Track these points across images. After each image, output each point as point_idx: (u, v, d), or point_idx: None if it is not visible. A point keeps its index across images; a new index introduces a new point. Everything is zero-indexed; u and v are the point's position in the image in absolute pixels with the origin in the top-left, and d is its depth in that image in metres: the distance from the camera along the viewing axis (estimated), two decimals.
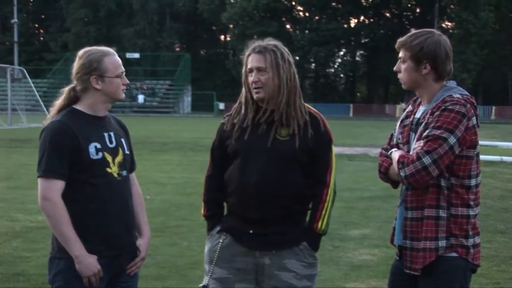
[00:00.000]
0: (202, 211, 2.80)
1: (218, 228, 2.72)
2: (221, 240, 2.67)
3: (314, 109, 2.72)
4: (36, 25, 64.35)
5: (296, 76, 2.68)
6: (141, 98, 45.23)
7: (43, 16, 61.94)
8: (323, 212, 2.64)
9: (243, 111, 2.68)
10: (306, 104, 2.69)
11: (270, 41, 2.68)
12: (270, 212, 2.60)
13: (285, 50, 2.68)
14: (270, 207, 2.59)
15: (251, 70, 2.63)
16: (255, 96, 2.63)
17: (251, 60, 2.64)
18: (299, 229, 2.66)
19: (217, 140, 2.76)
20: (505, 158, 14.19)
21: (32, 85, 31.73)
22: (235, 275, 2.64)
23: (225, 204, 2.78)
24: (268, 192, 2.58)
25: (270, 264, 2.62)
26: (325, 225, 2.66)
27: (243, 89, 2.70)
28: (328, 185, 2.66)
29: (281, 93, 2.61)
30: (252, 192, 2.58)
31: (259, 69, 2.61)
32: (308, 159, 2.63)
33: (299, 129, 2.61)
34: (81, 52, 2.65)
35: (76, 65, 2.63)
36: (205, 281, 2.69)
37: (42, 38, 62.43)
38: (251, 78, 2.63)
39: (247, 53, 2.67)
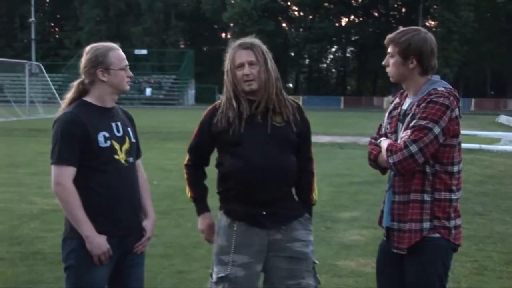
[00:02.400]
0: (189, 194, 2.80)
1: (225, 219, 2.65)
2: (234, 229, 2.62)
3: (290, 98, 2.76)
4: (52, 24, 64.03)
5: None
6: (148, 91, 45.13)
7: (58, 16, 61.67)
8: (315, 185, 2.81)
9: (234, 105, 2.62)
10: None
11: (251, 39, 2.67)
12: (278, 192, 2.63)
13: (265, 46, 2.68)
14: (277, 188, 2.62)
15: (241, 65, 2.59)
16: (247, 88, 2.59)
17: (239, 56, 2.60)
18: (298, 203, 2.75)
19: (205, 137, 2.70)
20: (483, 146, 14.19)
21: (48, 79, 31.65)
22: (256, 258, 2.61)
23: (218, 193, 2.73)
24: (274, 175, 2.59)
25: (281, 238, 2.64)
26: (317, 195, 2.82)
27: (228, 86, 2.64)
28: (313, 160, 2.81)
29: (271, 85, 2.62)
30: (261, 177, 2.56)
31: (250, 63, 2.59)
32: (298, 140, 2.70)
33: (291, 115, 2.66)
34: (88, 48, 2.62)
35: (83, 60, 2.60)
36: (225, 271, 2.58)
37: (57, 36, 62.06)
38: (240, 72, 2.59)
39: (232, 51, 2.63)
